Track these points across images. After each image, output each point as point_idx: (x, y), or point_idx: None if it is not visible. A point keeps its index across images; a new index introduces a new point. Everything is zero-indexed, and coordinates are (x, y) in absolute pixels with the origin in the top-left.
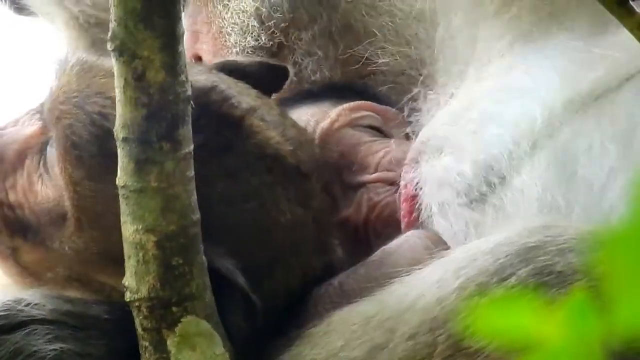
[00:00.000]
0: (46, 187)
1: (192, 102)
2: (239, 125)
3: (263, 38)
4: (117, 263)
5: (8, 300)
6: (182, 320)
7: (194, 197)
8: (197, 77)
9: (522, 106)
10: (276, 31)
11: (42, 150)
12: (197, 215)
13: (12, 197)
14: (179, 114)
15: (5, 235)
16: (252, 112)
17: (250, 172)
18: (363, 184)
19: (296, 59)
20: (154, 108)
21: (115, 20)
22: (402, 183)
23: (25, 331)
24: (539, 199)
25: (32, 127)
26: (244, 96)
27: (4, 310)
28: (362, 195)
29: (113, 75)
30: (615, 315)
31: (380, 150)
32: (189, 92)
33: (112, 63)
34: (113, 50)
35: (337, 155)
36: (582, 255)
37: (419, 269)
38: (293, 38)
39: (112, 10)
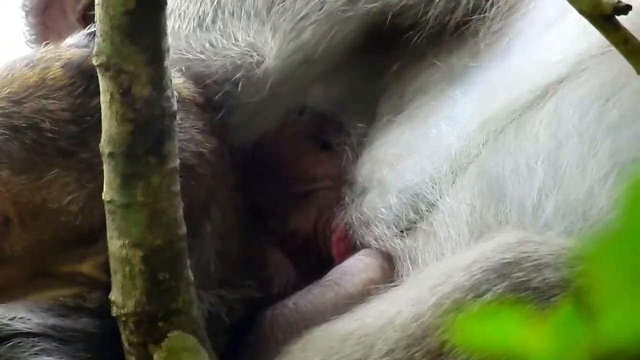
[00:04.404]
0: None
1: None
2: None
3: None
4: (72, 247)
5: None
6: (168, 335)
7: (180, 211)
8: None
9: (438, 133)
10: None
11: None
12: (183, 230)
13: None
14: (165, 129)
15: None
16: None
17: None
18: (310, 192)
19: None
20: (140, 123)
21: (100, 36)
22: (333, 225)
23: (11, 344)
24: (468, 221)
25: None
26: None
27: None
28: (310, 202)
29: None
30: (602, 326)
31: (325, 161)
32: (175, 107)
33: None
34: (99, 66)
35: (282, 168)
36: (559, 271)
37: (374, 288)
38: None
39: (98, 25)
